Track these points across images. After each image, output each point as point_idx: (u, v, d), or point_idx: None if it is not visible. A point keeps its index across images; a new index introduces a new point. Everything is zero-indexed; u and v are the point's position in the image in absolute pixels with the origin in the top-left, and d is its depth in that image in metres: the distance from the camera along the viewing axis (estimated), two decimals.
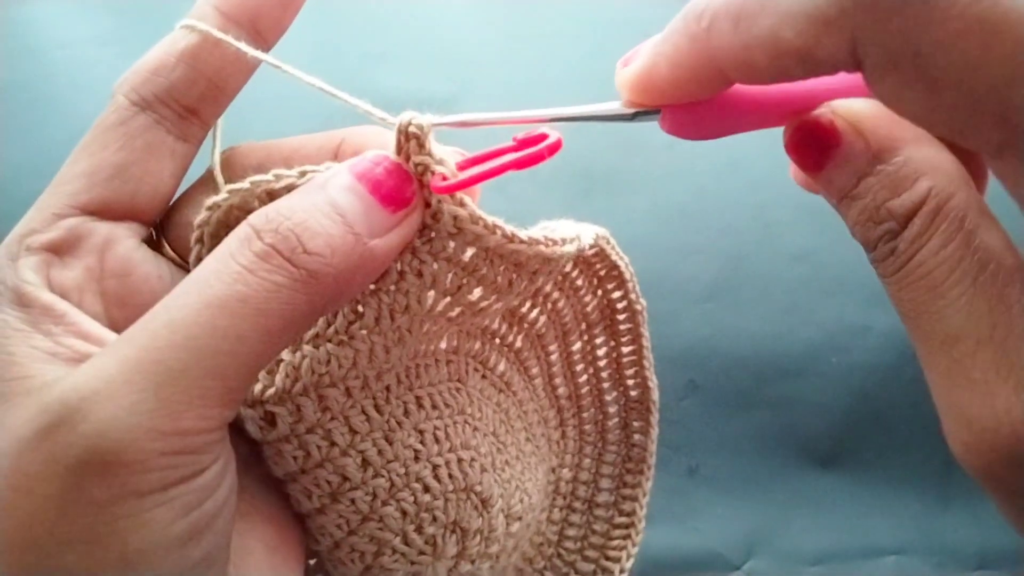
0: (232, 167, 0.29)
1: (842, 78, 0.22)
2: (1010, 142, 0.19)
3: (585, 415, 0.44)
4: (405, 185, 0.24)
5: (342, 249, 0.23)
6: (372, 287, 0.26)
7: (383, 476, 0.29)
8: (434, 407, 0.32)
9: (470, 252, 0.27)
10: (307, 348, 0.26)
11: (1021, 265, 0.21)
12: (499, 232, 0.26)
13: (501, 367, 0.38)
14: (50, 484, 0.20)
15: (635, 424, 0.44)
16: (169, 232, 0.29)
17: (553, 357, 0.42)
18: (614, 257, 0.40)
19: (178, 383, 0.21)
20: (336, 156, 0.28)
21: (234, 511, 0.25)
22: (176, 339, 0.21)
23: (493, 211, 0.27)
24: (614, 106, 0.25)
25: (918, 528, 0.65)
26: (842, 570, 0.60)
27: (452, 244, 0.26)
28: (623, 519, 0.44)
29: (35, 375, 0.23)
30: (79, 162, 0.26)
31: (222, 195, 0.25)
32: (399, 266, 0.26)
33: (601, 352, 0.43)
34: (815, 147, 0.23)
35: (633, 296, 0.42)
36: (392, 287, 0.26)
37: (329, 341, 0.27)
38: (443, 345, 0.33)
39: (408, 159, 0.25)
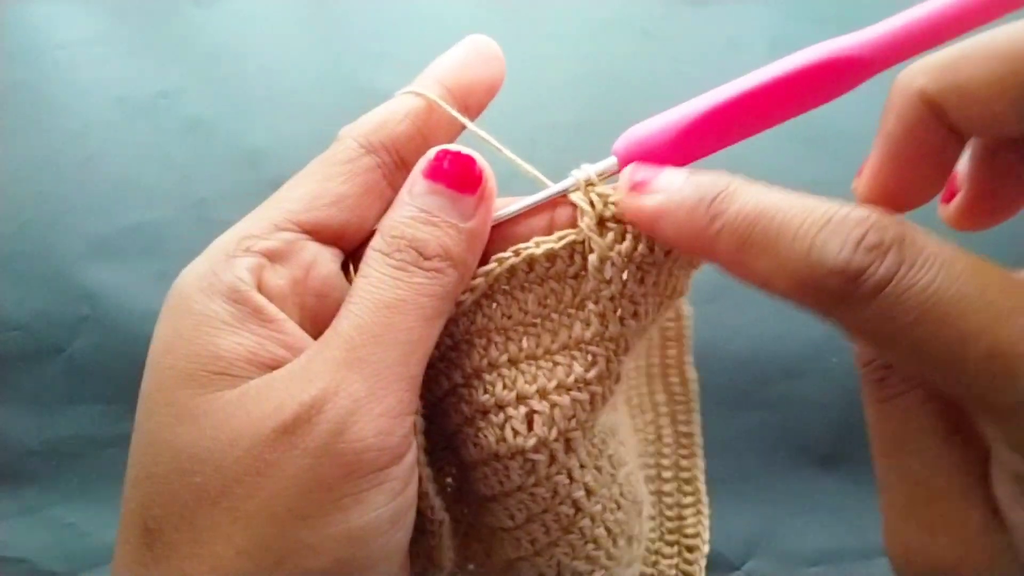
0: None
1: None
2: None
3: (647, 416, 0.48)
4: (471, 167, 0.28)
5: (449, 242, 0.27)
6: (598, 338, 0.29)
7: (599, 503, 0.32)
8: (614, 433, 0.35)
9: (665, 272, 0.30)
10: (554, 397, 0.29)
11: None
12: None
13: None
14: (291, 467, 0.24)
15: (681, 416, 0.48)
16: (358, 262, 0.32)
17: (631, 371, 0.45)
18: None
19: (378, 372, 0.25)
20: (552, 222, 0.31)
21: (415, 511, 0.28)
22: (366, 338, 0.26)
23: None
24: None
25: None
26: (842, 570, 0.60)
27: (657, 271, 0.29)
28: (689, 499, 0.49)
29: (237, 374, 0.26)
30: (304, 185, 0.29)
31: (491, 265, 0.30)
32: (619, 312, 0.29)
33: (655, 359, 0.47)
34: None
35: (681, 302, 0.44)
36: (616, 332, 0.29)
37: (569, 391, 0.29)
38: None
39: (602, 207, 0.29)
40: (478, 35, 0.33)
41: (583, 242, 0.29)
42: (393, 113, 0.30)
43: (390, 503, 0.25)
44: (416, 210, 0.28)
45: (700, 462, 0.50)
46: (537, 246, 0.30)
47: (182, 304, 0.27)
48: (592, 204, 0.29)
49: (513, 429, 0.29)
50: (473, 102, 0.32)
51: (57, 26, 0.65)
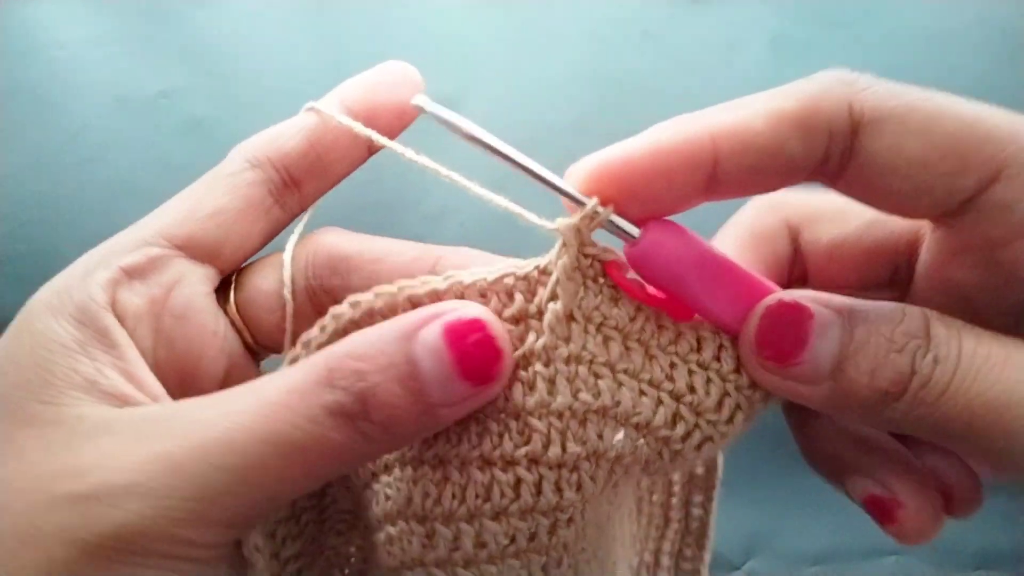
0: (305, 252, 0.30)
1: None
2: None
3: (655, 498, 0.41)
4: (494, 363, 0.23)
5: (405, 419, 0.22)
6: (542, 409, 0.25)
7: None
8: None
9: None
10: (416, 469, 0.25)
11: None
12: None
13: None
14: (61, 549, 0.21)
15: (696, 499, 0.42)
16: (237, 290, 0.29)
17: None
18: None
19: (212, 502, 0.22)
20: (433, 272, 0.27)
21: None
22: (227, 462, 0.21)
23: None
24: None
25: None
26: (842, 570, 0.60)
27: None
28: None
29: (68, 404, 0.23)
30: (184, 199, 0.28)
31: (368, 296, 0.25)
32: (575, 378, 0.25)
33: (677, 501, 0.41)
34: (790, 328, 0.23)
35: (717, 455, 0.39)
36: (565, 404, 0.25)
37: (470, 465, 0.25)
38: None
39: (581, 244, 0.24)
40: (395, 61, 0.31)
41: (545, 282, 0.24)
42: (285, 128, 0.29)
43: None
44: (404, 359, 0.22)
45: (705, 554, 0.43)
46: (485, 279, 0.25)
47: (25, 323, 0.25)
48: (579, 241, 0.24)
49: (386, 495, 0.26)
50: (381, 125, 0.29)
51: (57, 26, 0.65)
